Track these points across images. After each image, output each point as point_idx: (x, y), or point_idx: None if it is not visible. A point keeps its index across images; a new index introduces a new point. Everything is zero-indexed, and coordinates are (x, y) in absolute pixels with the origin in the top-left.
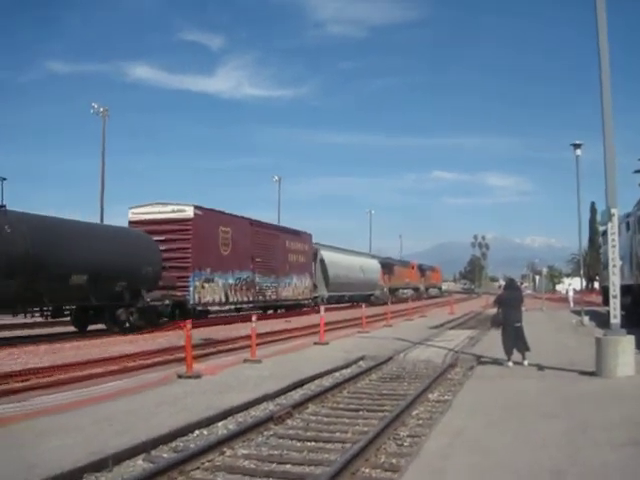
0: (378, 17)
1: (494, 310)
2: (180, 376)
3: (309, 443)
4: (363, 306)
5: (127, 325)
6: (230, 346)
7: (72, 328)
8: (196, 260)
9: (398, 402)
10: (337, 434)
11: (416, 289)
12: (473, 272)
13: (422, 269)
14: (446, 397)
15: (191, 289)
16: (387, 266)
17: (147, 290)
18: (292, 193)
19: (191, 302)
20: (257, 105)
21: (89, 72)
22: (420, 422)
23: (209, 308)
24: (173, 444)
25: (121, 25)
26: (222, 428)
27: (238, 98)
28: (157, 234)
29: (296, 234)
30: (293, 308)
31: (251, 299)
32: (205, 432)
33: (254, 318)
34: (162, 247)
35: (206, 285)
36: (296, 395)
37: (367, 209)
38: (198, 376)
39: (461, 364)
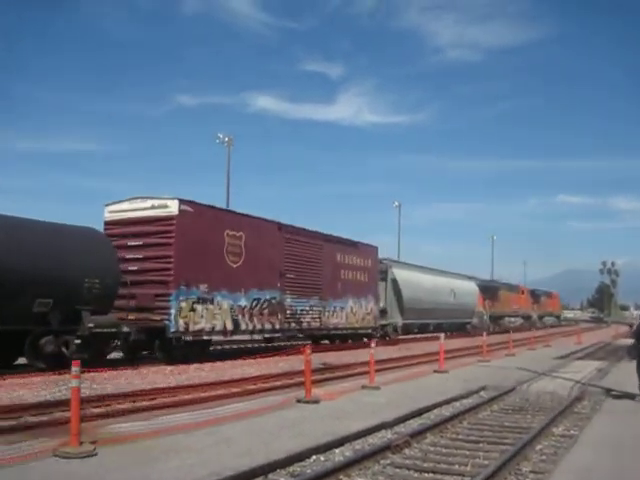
0: (495, 40)
1: (625, 341)
2: (299, 400)
3: (427, 474)
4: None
5: (63, 358)
6: (348, 372)
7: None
8: (181, 272)
9: (521, 435)
10: (456, 466)
11: (527, 317)
12: (602, 300)
13: (535, 294)
14: (572, 432)
15: (172, 311)
16: (489, 290)
17: (93, 312)
18: (412, 219)
19: (172, 329)
20: (376, 131)
21: (215, 104)
22: (544, 457)
23: (206, 338)
24: (290, 468)
25: (244, 58)
26: (339, 455)
27: (357, 124)
28: (134, 238)
29: (353, 246)
30: (347, 339)
31: (277, 327)
32: (322, 458)
33: (373, 344)
34: (139, 255)
35: (199, 307)
36: (414, 424)
37: (488, 235)
38: (316, 401)
39: (589, 397)
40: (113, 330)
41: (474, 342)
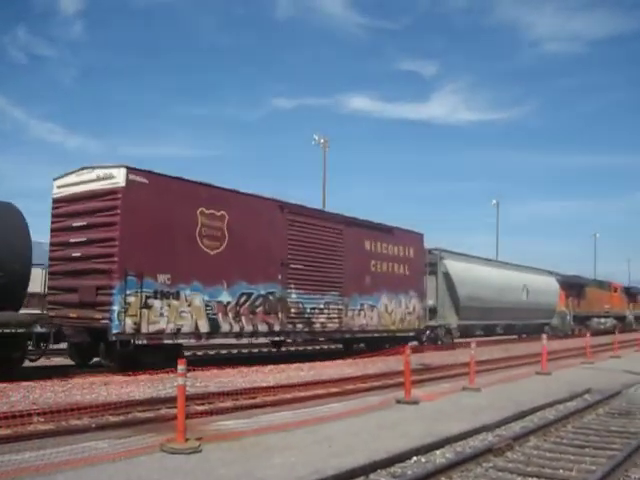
0: (597, 31)
1: None
2: (398, 401)
3: (530, 478)
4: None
5: None
6: (447, 372)
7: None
8: (129, 259)
9: (629, 440)
10: (560, 471)
11: (620, 318)
12: None
13: (631, 293)
14: None
15: (115, 308)
16: (572, 286)
17: None
18: (510, 217)
19: (115, 330)
20: (473, 130)
21: (310, 106)
22: None
23: (169, 341)
24: (391, 469)
25: (339, 59)
26: (440, 456)
27: (452, 123)
28: (78, 217)
29: (388, 232)
30: (381, 344)
31: (277, 328)
32: (423, 459)
33: (473, 345)
34: (82, 238)
35: (157, 303)
36: (516, 427)
37: (592, 232)
38: (416, 402)
39: None
40: (20, 331)
41: (567, 344)
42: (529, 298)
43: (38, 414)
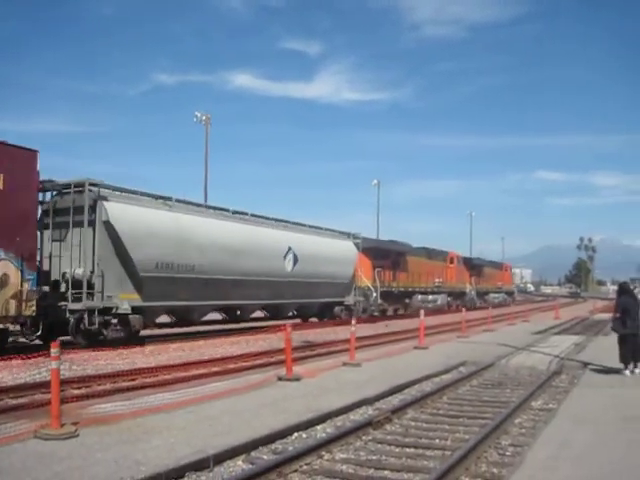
0: (477, 16)
1: (602, 315)
2: (280, 378)
3: (408, 449)
4: (463, 310)
5: None
6: (329, 349)
7: (177, 330)
8: None
9: (500, 409)
10: (437, 441)
11: (458, 294)
12: (579, 276)
13: (474, 264)
14: (551, 405)
15: None
16: (382, 255)
17: None
18: (391, 196)
19: None
20: (355, 109)
21: (193, 82)
22: (523, 431)
23: None
24: (273, 446)
25: (223, 36)
26: (321, 431)
27: (337, 102)
28: None
29: None
30: None
31: None
32: (304, 435)
33: (354, 322)
34: None
35: None
36: (395, 400)
37: (468, 211)
38: (298, 379)
39: (567, 371)
40: None
41: (451, 319)
42: (301, 268)
43: None
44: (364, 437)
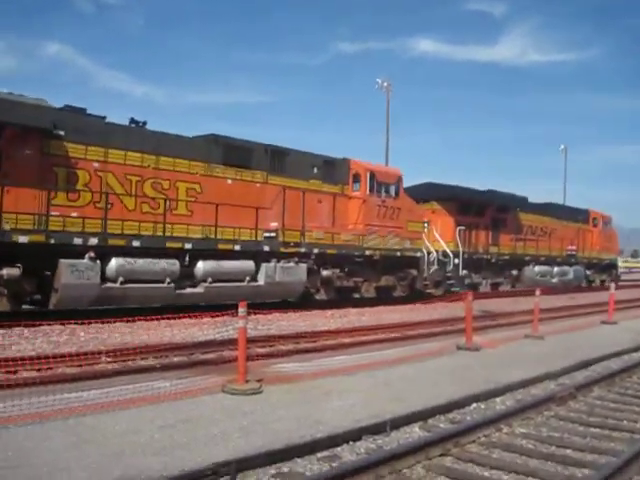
0: None
1: None
2: (459, 347)
3: (593, 429)
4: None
5: None
6: (509, 320)
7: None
8: None
9: None
10: (624, 422)
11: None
12: None
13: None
14: None
15: None
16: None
17: None
18: (580, 163)
19: None
20: (542, 72)
21: (373, 50)
22: None
23: None
24: (450, 415)
25: (403, 2)
26: (500, 404)
27: (522, 65)
28: None
29: None
30: None
31: None
32: (482, 406)
33: (537, 292)
34: None
35: None
36: (580, 376)
37: None
38: (477, 349)
39: None
40: None
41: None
42: None
43: (106, 353)
44: (546, 412)
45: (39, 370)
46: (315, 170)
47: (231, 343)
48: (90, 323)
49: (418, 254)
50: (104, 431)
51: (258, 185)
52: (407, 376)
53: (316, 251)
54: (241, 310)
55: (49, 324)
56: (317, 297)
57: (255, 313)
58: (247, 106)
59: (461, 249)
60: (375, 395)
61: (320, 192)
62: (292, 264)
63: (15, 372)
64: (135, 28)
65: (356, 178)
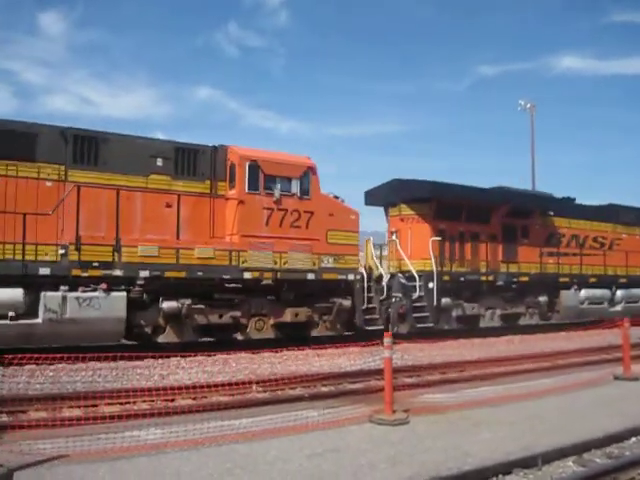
0: None
1: None
2: (616, 377)
3: None
4: None
5: None
6: None
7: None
8: None
9: None
10: None
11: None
12: None
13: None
14: None
15: None
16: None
17: None
18: None
19: None
20: None
21: (514, 71)
22: None
23: None
24: (607, 449)
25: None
26: None
27: None
28: None
29: None
30: None
31: None
32: None
33: None
34: None
35: None
36: None
37: None
38: (636, 378)
39: None
40: None
41: None
42: None
43: (257, 383)
44: None
45: (194, 398)
46: (159, 162)
47: (378, 373)
48: (240, 353)
49: (350, 277)
50: (256, 458)
51: (49, 184)
52: (559, 407)
53: (145, 274)
54: (387, 340)
55: (207, 354)
56: (160, 340)
57: (400, 343)
58: (391, 136)
59: (435, 268)
60: (526, 427)
61: (169, 192)
62: (98, 293)
63: (172, 400)
64: (278, 68)
65: (234, 171)
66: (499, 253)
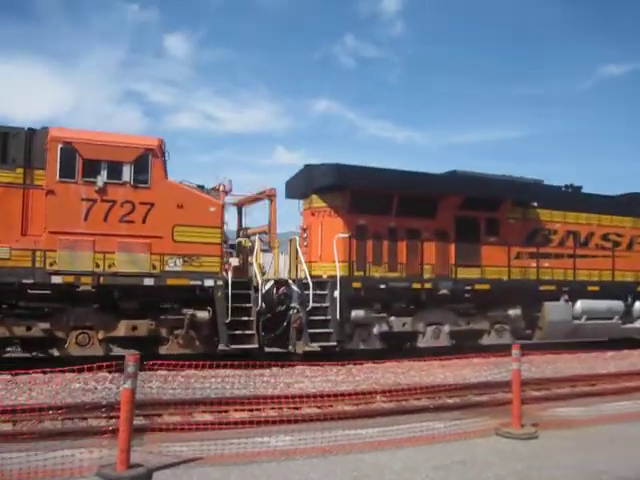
0: None
1: None
2: None
3: None
4: None
5: None
6: None
7: None
8: None
9: None
10: None
11: None
12: None
13: None
14: None
15: None
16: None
17: None
18: None
19: None
20: None
21: None
22: None
23: None
24: None
25: None
26: None
27: None
28: None
29: None
30: None
31: None
32: None
33: None
34: None
35: None
36: None
37: None
38: None
39: None
40: None
41: None
42: None
43: (381, 393)
44: None
45: (320, 407)
46: None
47: (504, 385)
48: (363, 363)
49: (208, 282)
50: (382, 468)
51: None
52: None
53: None
54: (515, 352)
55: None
56: None
57: (528, 354)
58: (509, 141)
59: (338, 273)
60: None
61: None
62: None
63: (299, 408)
64: (394, 77)
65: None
66: (450, 255)
